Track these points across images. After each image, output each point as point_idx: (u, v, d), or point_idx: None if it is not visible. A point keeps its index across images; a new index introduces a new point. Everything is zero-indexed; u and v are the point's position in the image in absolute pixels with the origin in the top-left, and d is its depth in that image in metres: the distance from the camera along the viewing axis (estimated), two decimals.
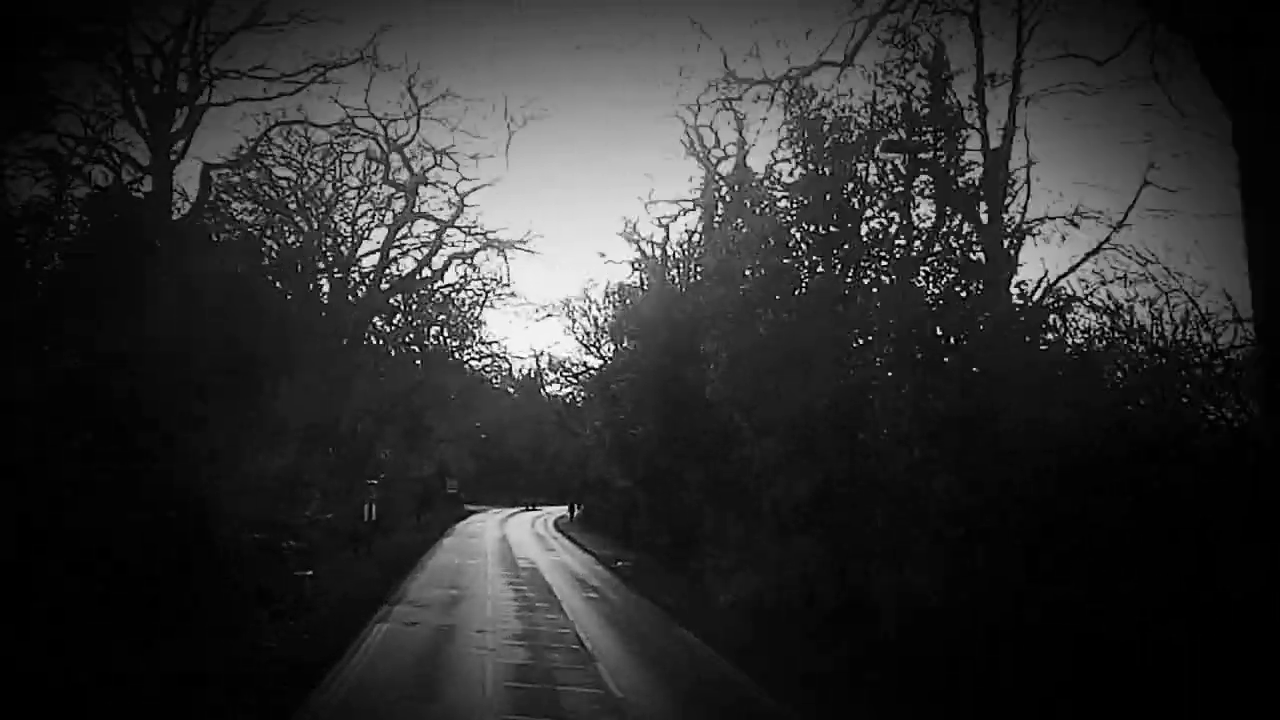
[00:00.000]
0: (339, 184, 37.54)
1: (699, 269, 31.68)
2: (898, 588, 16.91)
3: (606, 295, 43.76)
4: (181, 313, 21.93)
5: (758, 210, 22.61)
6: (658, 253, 36.38)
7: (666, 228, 34.00)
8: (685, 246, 32.40)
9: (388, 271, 37.51)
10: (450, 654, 18.66)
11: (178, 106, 25.92)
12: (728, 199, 29.64)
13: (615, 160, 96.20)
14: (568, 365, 71.62)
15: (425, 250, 38.56)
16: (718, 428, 25.48)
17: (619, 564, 37.81)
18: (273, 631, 19.57)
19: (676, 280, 32.93)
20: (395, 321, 43.99)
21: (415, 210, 36.78)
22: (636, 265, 36.55)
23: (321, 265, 39.47)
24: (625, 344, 38.42)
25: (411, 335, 46.62)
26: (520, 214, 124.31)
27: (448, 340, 47.61)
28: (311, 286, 36.15)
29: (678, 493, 33.68)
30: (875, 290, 18.92)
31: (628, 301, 38.47)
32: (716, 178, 33.18)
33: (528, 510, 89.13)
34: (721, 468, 27.68)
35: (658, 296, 32.97)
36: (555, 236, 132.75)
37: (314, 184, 35.18)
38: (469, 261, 40.06)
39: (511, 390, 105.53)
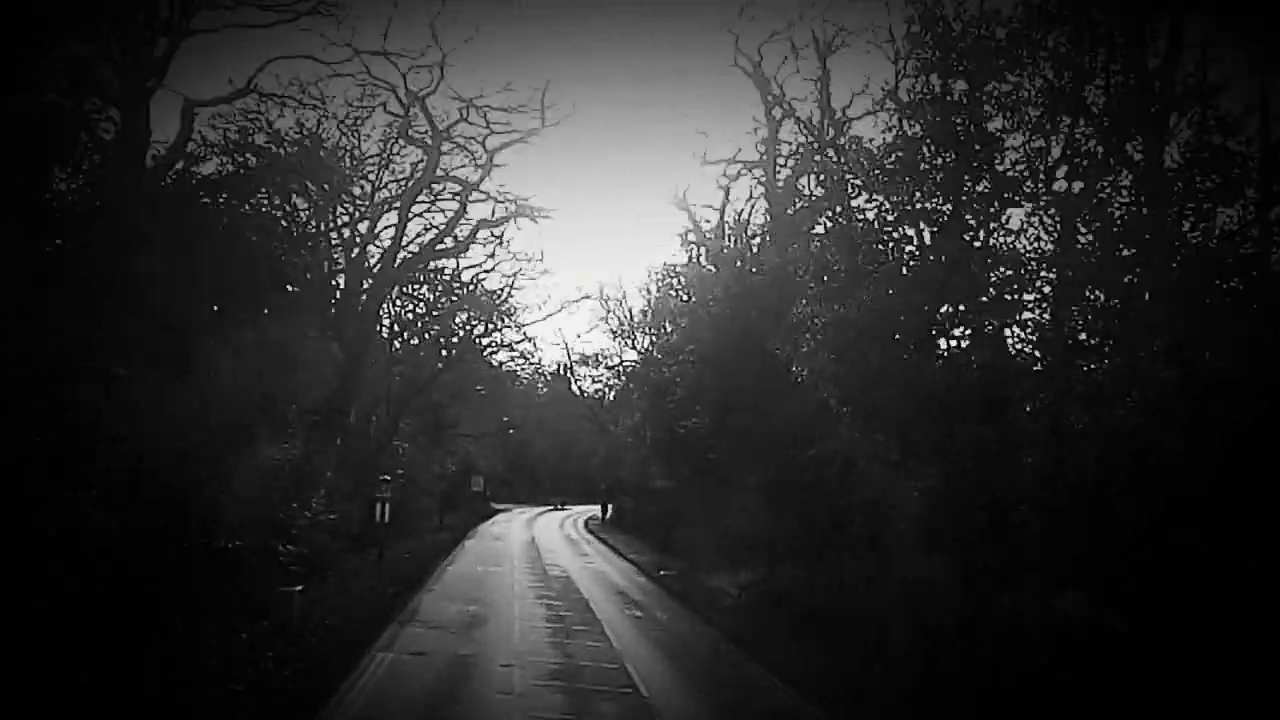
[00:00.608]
0: (355, 148, 33.52)
1: (767, 231, 27.34)
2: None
3: (650, 275, 39.20)
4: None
5: (842, 157, 18.25)
6: (713, 218, 32.00)
7: (726, 189, 29.68)
8: (752, 204, 28.05)
9: (405, 242, 33.35)
10: (465, 703, 14.33)
11: (158, 33, 21.85)
12: (800, 151, 25.32)
13: (655, 133, 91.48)
14: (600, 357, 67.63)
15: (448, 217, 34.25)
16: (797, 415, 21.08)
17: (662, 573, 33.46)
18: (249, 662, 15.41)
19: (738, 245, 28.50)
20: (414, 303, 39.80)
21: (438, 171, 32.54)
22: (687, 238, 32.19)
23: (336, 238, 35.46)
24: (674, 324, 34.00)
25: (432, 319, 42.45)
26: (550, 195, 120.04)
27: (474, 327, 43.40)
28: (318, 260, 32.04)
29: (734, 494, 29.30)
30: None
31: (677, 280, 34.04)
32: (784, 129, 28.87)
33: (556, 510, 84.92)
34: (789, 465, 23.29)
35: (719, 262, 28.50)
36: (585, 230, 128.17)
37: (322, 136, 30.99)
38: (497, 235, 35.77)
39: (541, 386, 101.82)
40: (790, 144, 27.76)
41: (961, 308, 14.33)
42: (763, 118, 29.57)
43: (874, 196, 15.32)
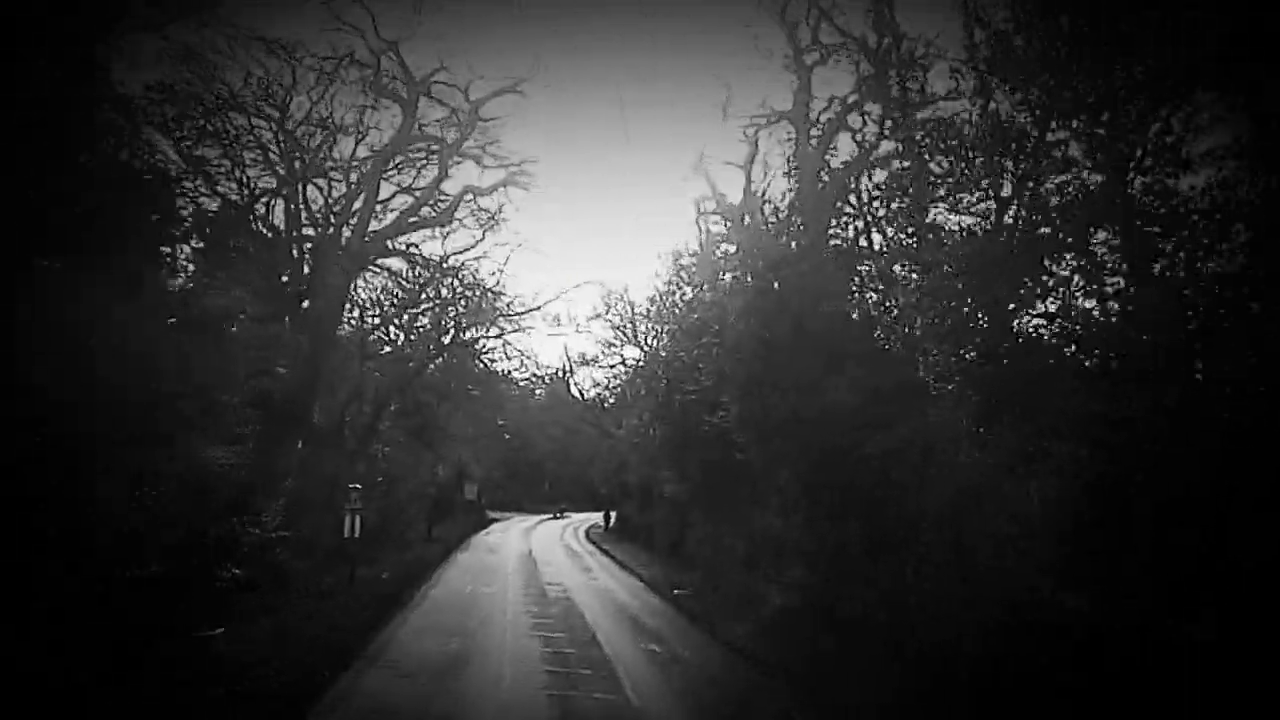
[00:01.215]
0: (328, 118, 29.25)
1: (797, 193, 23.01)
2: None
3: (660, 258, 34.69)
4: None
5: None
6: (734, 191, 27.58)
7: (754, 141, 25.28)
8: (790, 163, 23.65)
9: (379, 211, 28.98)
10: None
11: None
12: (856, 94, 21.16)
13: (660, 124, 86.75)
14: (603, 354, 63.37)
15: (427, 182, 29.85)
16: (849, 402, 16.75)
17: (676, 592, 29.06)
18: None
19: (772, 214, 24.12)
20: (393, 283, 35.39)
21: (414, 130, 28.23)
22: (702, 207, 27.75)
23: (306, 216, 31.10)
24: (697, 301, 29.52)
25: (413, 303, 38.05)
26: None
27: (462, 319, 39.01)
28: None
29: (763, 496, 24.95)
30: None
31: (703, 249, 29.50)
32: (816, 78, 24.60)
33: (556, 518, 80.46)
34: (842, 458, 18.92)
35: (747, 238, 24.14)
36: (587, 230, 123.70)
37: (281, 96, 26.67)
38: (487, 210, 31.39)
39: (538, 390, 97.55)
40: (823, 100, 23.63)
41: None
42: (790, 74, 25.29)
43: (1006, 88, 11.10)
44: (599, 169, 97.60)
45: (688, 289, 31.57)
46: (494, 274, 37.81)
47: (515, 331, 40.45)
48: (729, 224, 27.15)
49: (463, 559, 39.97)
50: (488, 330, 39.93)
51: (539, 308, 46.55)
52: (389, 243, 30.96)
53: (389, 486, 41.58)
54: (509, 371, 67.73)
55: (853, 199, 24.17)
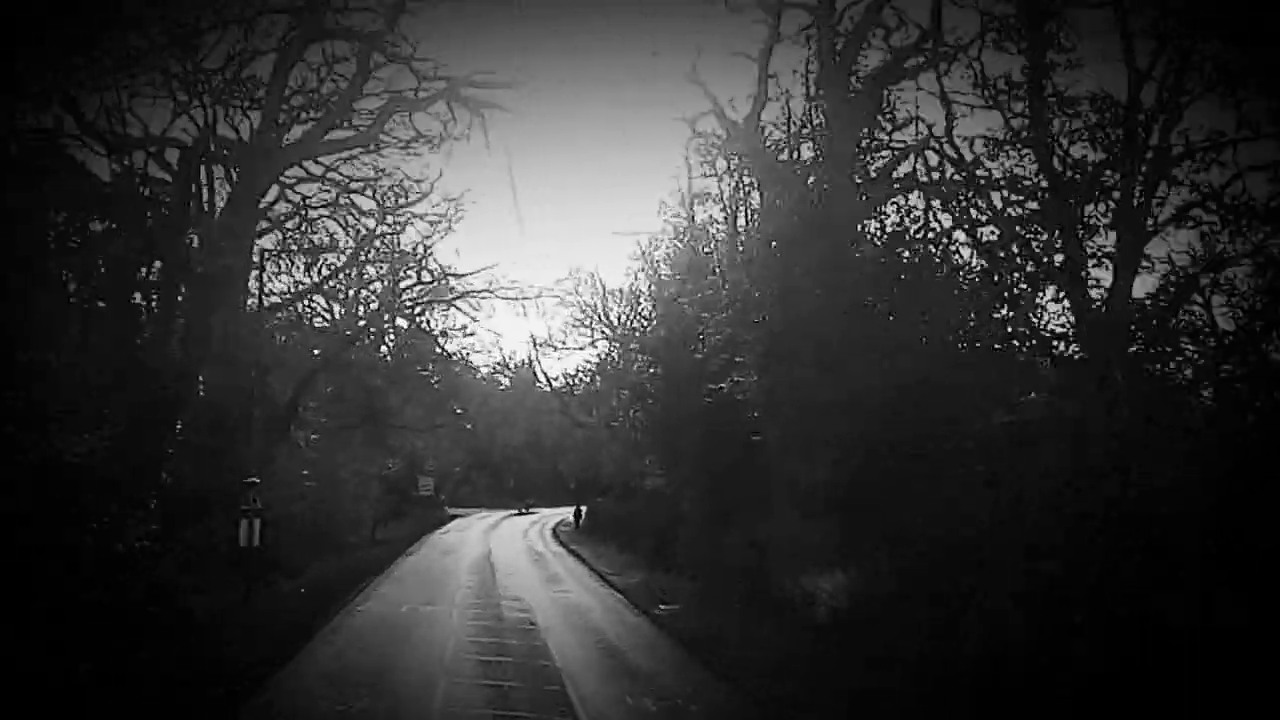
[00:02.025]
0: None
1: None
2: None
3: (662, 208, 28.37)
4: None
5: None
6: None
7: (776, 22, 19.31)
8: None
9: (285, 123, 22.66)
10: None
11: None
12: None
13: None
14: (570, 340, 57.28)
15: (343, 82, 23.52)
16: None
17: (662, 608, 23.12)
18: None
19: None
20: (301, 224, 28.95)
21: (325, 25, 21.90)
22: (695, 126, 21.59)
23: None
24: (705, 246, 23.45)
25: (350, 268, 31.83)
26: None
27: (401, 284, 32.85)
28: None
29: (779, 491, 19.10)
30: None
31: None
32: None
33: (521, 514, 74.16)
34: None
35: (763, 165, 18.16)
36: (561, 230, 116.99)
37: None
38: (425, 136, 25.12)
39: (503, 380, 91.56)
40: None
41: None
42: None
43: None
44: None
45: (683, 236, 25.62)
46: (435, 235, 31.03)
47: (463, 296, 34.12)
48: (731, 153, 21.08)
49: (409, 565, 33.75)
50: (430, 301, 33.60)
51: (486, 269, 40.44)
52: (299, 163, 24.62)
53: (326, 481, 35.37)
54: (466, 353, 61.65)
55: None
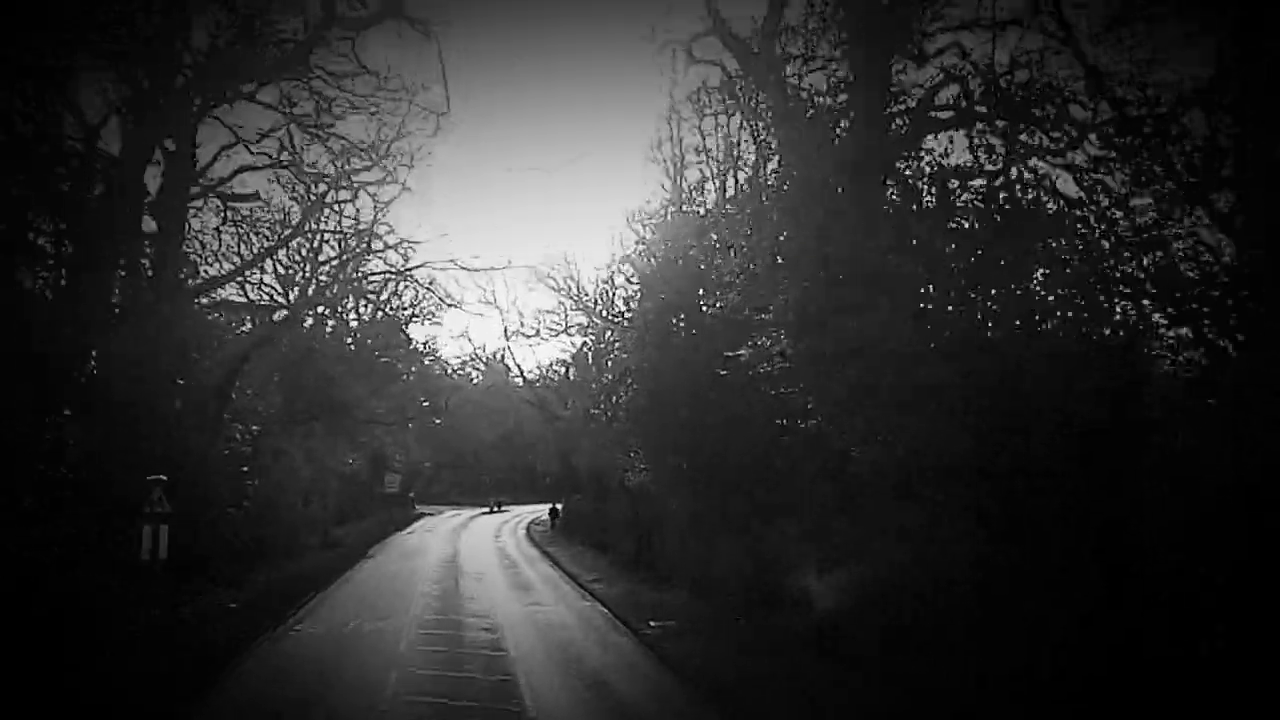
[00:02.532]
0: None
1: None
2: None
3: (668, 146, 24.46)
4: None
5: None
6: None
7: None
8: None
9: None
10: None
11: None
12: None
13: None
14: (543, 329, 53.59)
15: None
16: None
17: (653, 625, 19.58)
18: None
19: None
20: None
21: None
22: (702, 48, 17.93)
23: None
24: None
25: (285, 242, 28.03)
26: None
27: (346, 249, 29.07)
28: None
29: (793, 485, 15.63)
30: None
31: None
32: None
33: (493, 512, 70.39)
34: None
35: None
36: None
37: None
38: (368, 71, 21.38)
39: (475, 374, 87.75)
40: None
41: None
42: None
43: None
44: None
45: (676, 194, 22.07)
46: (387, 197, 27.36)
47: (420, 267, 30.45)
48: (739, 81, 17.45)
49: (366, 572, 29.99)
50: (384, 274, 29.93)
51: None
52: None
53: (273, 479, 31.59)
54: (432, 342, 57.88)
55: None
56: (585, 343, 51.57)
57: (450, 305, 52.17)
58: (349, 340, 52.91)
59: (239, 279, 27.51)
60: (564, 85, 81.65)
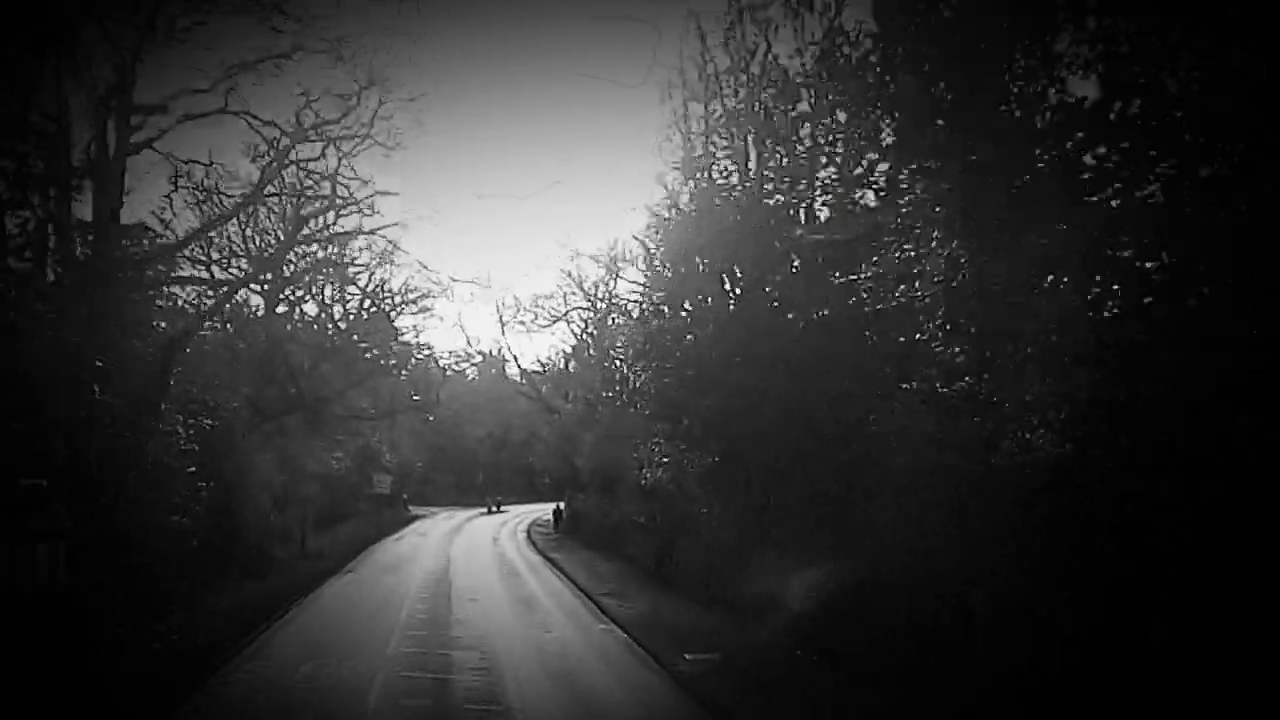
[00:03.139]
0: None
1: None
2: None
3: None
4: None
5: None
6: None
7: None
8: None
9: None
10: None
11: None
12: None
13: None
14: (541, 315, 49.39)
15: None
16: None
17: (690, 658, 15.23)
18: None
19: None
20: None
21: None
22: None
23: None
24: None
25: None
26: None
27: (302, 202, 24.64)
28: None
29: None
30: None
31: None
32: None
33: (490, 514, 65.91)
34: None
35: None
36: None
37: None
38: None
39: (469, 370, 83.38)
40: None
41: None
42: None
43: None
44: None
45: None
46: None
47: (389, 225, 26.09)
48: None
49: (339, 590, 25.53)
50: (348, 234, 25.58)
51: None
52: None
53: (234, 483, 27.13)
54: (419, 331, 53.58)
55: None
56: (588, 329, 47.30)
57: (439, 288, 47.82)
58: (330, 329, 48.57)
59: (193, 249, 23.08)
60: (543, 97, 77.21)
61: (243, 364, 34.38)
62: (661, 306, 19.30)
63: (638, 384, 21.96)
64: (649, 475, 24.14)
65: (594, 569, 28.64)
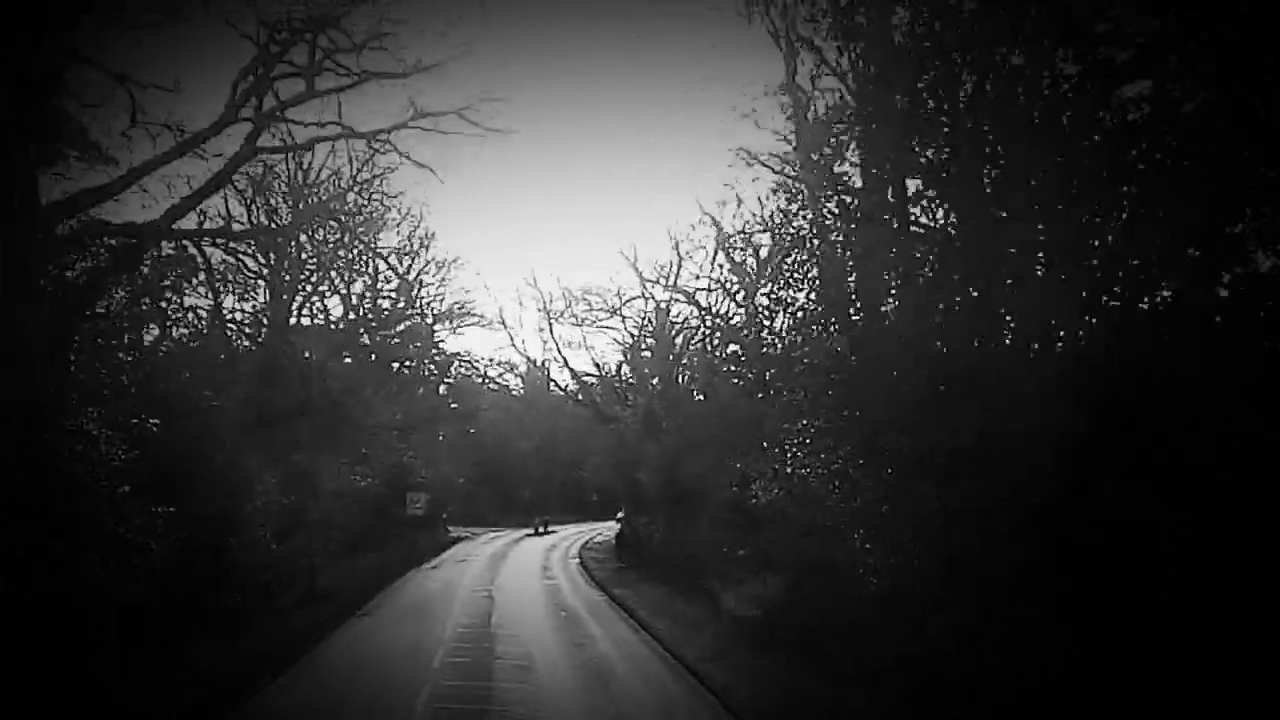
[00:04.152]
0: None
1: None
2: None
3: None
4: None
5: None
6: None
7: None
8: None
9: None
10: None
11: None
12: None
13: None
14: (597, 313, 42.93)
15: None
16: None
17: None
18: None
19: None
20: None
21: None
22: None
23: None
24: None
25: None
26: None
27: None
28: None
29: None
30: None
31: None
32: None
33: (537, 534, 59.06)
34: None
35: None
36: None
37: None
38: None
39: (513, 383, 76.98)
40: None
41: None
42: None
43: None
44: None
45: None
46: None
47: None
48: None
49: (340, 650, 18.73)
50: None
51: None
52: None
53: (213, 509, 20.55)
54: (461, 353, 47.67)
55: None
56: (645, 327, 40.55)
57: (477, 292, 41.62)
58: (362, 333, 42.37)
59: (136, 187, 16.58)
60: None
61: (241, 362, 28.05)
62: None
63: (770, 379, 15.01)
64: (761, 494, 17.12)
65: (675, 615, 21.63)
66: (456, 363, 51.76)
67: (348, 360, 33.53)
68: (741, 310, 33.39)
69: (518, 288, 65.46)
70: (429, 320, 46.42)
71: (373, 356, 42.05)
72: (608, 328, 43.81)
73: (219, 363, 25.48)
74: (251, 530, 22.95)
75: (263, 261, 28.30)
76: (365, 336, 42.62)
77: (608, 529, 61.05)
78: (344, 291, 36.08)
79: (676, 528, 28.62)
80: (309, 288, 33.33)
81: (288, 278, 29.95)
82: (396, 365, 47.73)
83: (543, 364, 78.39)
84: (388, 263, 34.42)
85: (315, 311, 34.34)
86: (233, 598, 20.54)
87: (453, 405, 44.03)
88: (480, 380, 59.88)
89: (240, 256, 26.91)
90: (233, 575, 21.16)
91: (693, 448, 26.12)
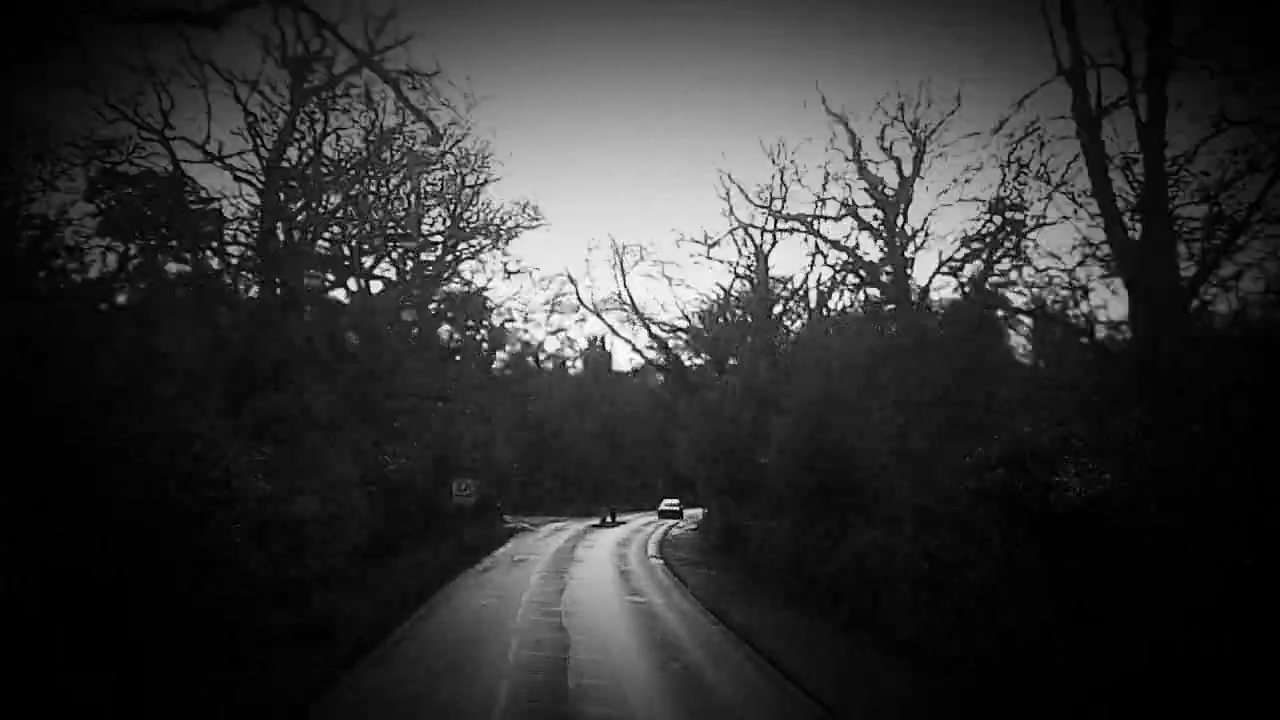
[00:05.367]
0: None
1: None
2: None
3: None
4: None
5: None
6: None
7: None
8: None
9: None
10: None
11: None
12: None
13: None
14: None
15: None
16: None
17: None
18: None
19: None
20: None
21: None
22: None
23: None
24: None
25: None
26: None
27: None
28: None
29: None
30: None
31: None
32: None
33: (606, 525, 51.04)
34: None
35: None
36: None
37: None
38: None
39: (572, 365, 69.59)
40: None
41: None
42: None
43: None
44: None
45: None
46: None
47: None
48: None
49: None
50: None
51: None
52: None
53: (137, 505, 12.78)
54: (516, 318, 39.99)
55: None
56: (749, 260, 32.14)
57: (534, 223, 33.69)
58: (405, 303, 34.98)
59: None
60: None
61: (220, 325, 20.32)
62: None
63: None
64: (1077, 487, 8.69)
65: (839, 659, 13.31)
66: (510, 313, 43.41)
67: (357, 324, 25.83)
68: (880, 242, 25.13)
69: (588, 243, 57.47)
70: (480, 238, 38.08)
71: (414, 325, 34.53)
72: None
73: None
74: (221, 538, 15.14)
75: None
76: (403, 299, 35.14)
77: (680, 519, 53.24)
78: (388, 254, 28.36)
79: (811, 529, 20.26)
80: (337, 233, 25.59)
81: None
82: (445, 333, 40.19)
83: (602, 340, 70.50)
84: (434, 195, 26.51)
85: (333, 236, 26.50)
86: (179, 650, 12.74)
87: (508, 373, 35.96)
88: (535, 351, 52.20)
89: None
90: (193, 602, 13.53)
91: (840, 412, 17.74)
